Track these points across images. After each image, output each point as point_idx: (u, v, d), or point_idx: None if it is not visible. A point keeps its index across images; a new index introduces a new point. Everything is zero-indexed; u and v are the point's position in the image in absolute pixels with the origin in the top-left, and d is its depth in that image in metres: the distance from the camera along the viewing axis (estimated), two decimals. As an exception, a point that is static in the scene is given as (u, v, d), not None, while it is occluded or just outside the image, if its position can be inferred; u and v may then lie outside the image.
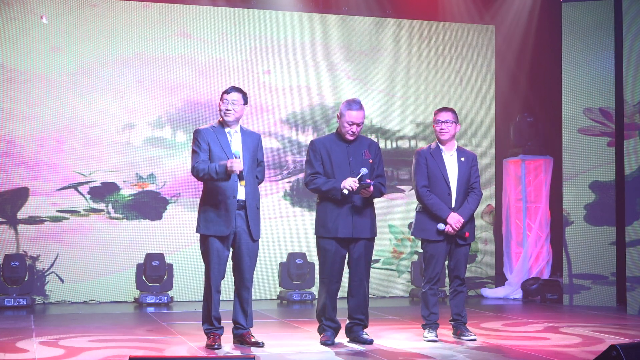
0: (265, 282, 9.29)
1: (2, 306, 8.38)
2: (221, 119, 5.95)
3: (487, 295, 10.03)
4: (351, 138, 6.07)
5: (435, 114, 6.38)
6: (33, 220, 8.99)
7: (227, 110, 5.88)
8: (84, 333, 6.59)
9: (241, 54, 9.72)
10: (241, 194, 5.84)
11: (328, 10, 10.03)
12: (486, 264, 10.37)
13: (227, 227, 5.79)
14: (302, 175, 9.12)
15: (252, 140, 6.01)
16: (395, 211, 10.00)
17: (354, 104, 6.06)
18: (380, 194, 6.11)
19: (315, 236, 6.12)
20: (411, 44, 10.28)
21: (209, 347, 5.79)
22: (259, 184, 6.08)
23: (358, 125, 6.05)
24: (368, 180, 5.93)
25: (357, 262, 6.06)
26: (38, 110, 9.05)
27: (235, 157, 5.76)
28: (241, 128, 6.02)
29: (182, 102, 9.50)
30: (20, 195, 8.97)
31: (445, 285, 7.98)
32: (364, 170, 5.91)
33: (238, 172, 5.68)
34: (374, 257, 6.48)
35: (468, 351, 5.81)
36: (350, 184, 5.87)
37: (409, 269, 9.88)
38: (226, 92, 5.92)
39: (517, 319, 7.83)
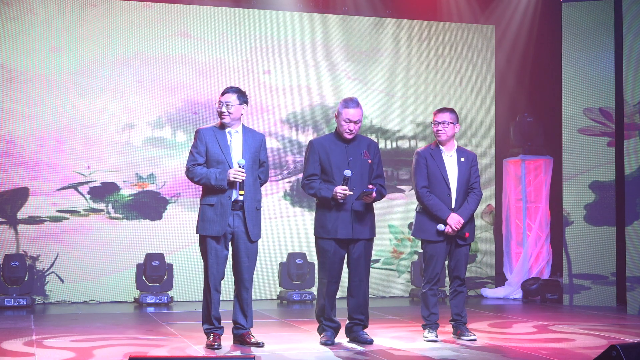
0: (265, 282, 9.29)
1: (2, 306, 8.38)
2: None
3: (487, 295, 10.03)
4: (349, 137, 6.06)
5: (434, 114, 6.37)
6: (33, 220, 8.99)
7: (221, 112, 5.89)
8: (84, 333, 6.60)
9: (241, 54, 9.72)
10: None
11: (328, 10, 10.03)
12: (486, 264, 10.37)
13: (221, 228, 5.79)
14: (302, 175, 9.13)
15: (255, 141, 6.00)
16: (395, 211, 10.00)
17: (351, 102, 6.06)
18: (381, 196, 6.11)
19: (314, 237, 6.13)
20: (411, 44, 10.28)
21: (209, 347, 5.80)
22: (262, 184, 6.08)
23: (355, 122, 6.03)
24: (370, 187, 5.92)
25: (356, 262, 6.05)
26: (38, 110, 9.05)
27: (240, 167, 5.77)
28: (244, 128, 6.01)
29: (182, 102, 9.50)
30: (20, 195, 8.97)
31: (445, 286, 7.98)
32: (347, 173, 5.88)
33: (240, 181, 5.72)
34: (374, 257, 6.49)
35: (468, 351, 5.81)
36: (339, 193, 5.86)
37: (409, 269, 9.88)
38: (221, 93, 5.92)
39: (517, 319, 7.83)
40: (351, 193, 5.90)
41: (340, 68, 10.05)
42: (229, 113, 5.88)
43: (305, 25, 9.94)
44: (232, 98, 5.88)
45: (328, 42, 10.03)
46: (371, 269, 6.32)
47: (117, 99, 9.32)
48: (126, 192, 9.28)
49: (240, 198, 5.82)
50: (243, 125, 6.02)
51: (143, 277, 8.92)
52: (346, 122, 6.03)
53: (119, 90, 9.32)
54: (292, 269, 9.23)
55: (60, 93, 9.13)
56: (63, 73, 9.15)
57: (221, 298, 5.92)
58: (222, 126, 5.93)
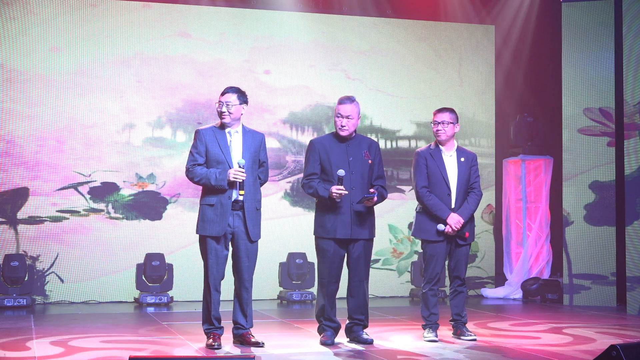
0: (265, 282, 9.29)
1: (2, 306, 8.38)
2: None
3: (487, 295, 10.03)
4: (341, 133, 6.05)
5: (434, 114, 6.38)
6: (33, 220, 8.99)
7: (221, 112, 5.89)
8: (84, 333, 6.59)
9: (241, 54, 9.72)
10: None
11: (328, 10, 10.03)
12: (486, 264, 10.37)
13: (221, 228, 5.79)
14: (302, 175, 9.14)
15: (254, 141, 6.00)
16: (395, 211, 9.99)
17: (346, 99, 6.09)
18: (382, 198, 6.10)
19: (314, 236, 6.13)
20: (411, 44, 10.28)
21: (209, 347, 5.80)
22: (262, 184, 6.08)
23: (346, 118, 6.03)
24: (372, 190, 5.93)
25: (356, 262, 6.05)
26: (38, 110, 9.05)
27: (240, 167, 5.77)
28: (243, 128, 6.01)
29: (182, 102, 9.50)
30: (20, 195, 8.97)
31: (446, 286, 7.98)
32: (341, 173, 5.89)
33: (240, 181, 5.72)
34: (374, 257, 6.49)
35: (468, 351, 5.82)
36: (335, 193, 5.87)
37: (409, 269, 9.88)
38: (221, 93, 5.92)
39: (517, 319, 7.83)
40: (346, 192, 5.90)
41: (340, 68, 10.05)
42: (229, 113, 5.88)
43: (305, 25, 9.94)
44: (232, 98, 5.88)
45: (328, 42, 10.02)
46: (371, 269, 6.31)
47: (117, 99, 9.32)
48: (126, 192, 9.28)
49: (240, 198, 5.82)
50: (243, 125, 6.02)
51: (143, 277, 8.92)
52: (338, 117, 6.06)
53: (119, 90, 9.32)
54: (292, 269, 9.23)
55: (60, 93, 9.13)
56: (63, 73, 9.15)
57: (221, 298, 5.92)
58: (222, 126, 5.93)
